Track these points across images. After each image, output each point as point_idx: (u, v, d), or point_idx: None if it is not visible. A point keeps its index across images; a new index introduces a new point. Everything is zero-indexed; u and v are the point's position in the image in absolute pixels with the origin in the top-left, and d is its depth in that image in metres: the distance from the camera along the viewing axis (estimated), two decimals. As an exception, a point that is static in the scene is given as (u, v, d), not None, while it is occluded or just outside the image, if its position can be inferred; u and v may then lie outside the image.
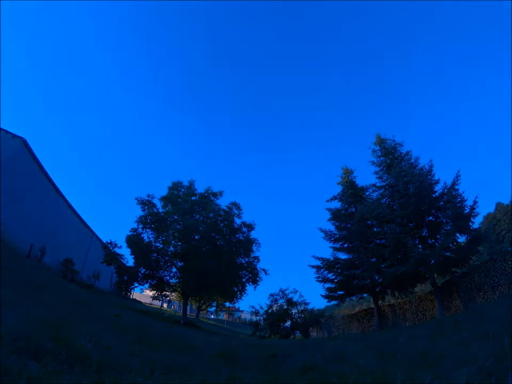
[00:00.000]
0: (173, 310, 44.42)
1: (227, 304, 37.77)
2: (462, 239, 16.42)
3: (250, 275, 23.77)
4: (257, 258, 24.99)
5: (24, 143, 19.11)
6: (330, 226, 22.36)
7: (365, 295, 22.00)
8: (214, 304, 39.37)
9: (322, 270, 20.85)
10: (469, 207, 15.43)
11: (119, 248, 20.52)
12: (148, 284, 22.55)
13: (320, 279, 20.88)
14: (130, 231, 21.10)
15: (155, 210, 21.95)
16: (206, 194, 23.84)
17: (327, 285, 20.83)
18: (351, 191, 22.05)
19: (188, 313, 26.61)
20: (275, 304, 17.29)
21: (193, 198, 23.36)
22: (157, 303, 37.40)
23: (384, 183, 20.09)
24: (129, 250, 20.27)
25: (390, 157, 20.13)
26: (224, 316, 58.26)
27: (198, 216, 22.54)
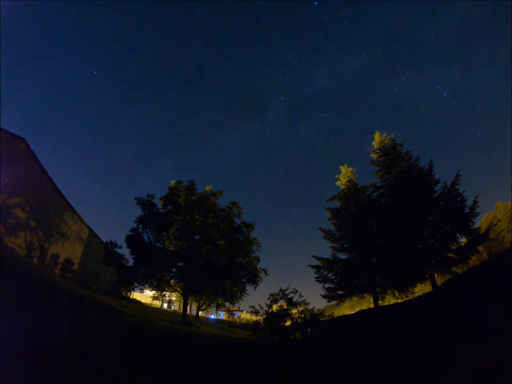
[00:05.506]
0: (173, 309, 44.42)
1: (227, 304, 37.81)
2: (462, 239, 16.43)
3: (250, 275, 23.81)
4: (257, 258, 25.11)
5: (24, 143, 19.12)
6: (330, 226, 22.36)
7: (364, 295, 21.98)
8: (214, 304, 39.41)
9: (322, 270, 20.85)
10: (469, 207, 15.44)
11: (119, 248, 20.54)
12: (148, 284, 22.57)
13: (320, 279, 20.87)
14: (130, 231, 21.10)
15: (155, 210, 21.95)
16: (206, 194, 23.87)
17: (327, 285, 20.82)
18: (351, 190, 22.02)
19: (188, 313, 26.63)
20: (275, 304, 17.23)
21: (193, 198, 23.39)
22: (157, 303, 37.42)
23: (384, 183, 20.09)
24: (129, 250, 20.30)
25: (390, 157, 20.13)
26: (224, 316, 58.22)
27: (198, 215, 22.59)
